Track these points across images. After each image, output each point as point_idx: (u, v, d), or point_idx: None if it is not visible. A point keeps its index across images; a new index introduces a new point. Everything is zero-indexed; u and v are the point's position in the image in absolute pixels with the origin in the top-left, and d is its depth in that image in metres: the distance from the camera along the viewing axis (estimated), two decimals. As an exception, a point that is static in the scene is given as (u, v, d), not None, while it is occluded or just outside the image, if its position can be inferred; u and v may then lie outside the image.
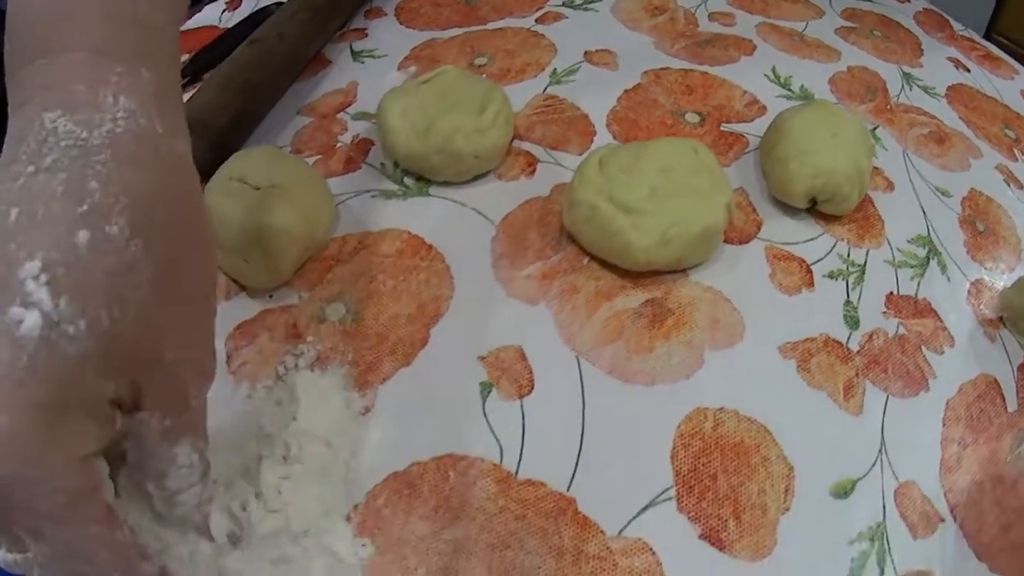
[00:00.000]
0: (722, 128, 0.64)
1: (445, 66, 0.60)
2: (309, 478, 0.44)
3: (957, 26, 0.90)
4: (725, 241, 0.55)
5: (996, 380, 0.52)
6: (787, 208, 0.58)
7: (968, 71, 0.80)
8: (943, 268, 0.57)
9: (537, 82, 0.67)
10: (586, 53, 0.71)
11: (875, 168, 0.63)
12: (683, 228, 0.50)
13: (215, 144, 0.58)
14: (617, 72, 0.69)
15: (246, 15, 0.78)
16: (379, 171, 0.60)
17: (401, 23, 0.77)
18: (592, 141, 0.62)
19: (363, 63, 0.71)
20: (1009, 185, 0.66)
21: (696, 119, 0.65)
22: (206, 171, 0.55)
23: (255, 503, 0.43)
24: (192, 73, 0.71)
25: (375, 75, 0.69)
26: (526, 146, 0.61)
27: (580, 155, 0.60)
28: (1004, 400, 0.52)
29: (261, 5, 0.81)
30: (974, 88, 0.77)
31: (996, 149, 0.69)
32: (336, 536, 0.43)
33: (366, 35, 0.75)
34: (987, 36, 1.61)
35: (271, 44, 0.66)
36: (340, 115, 0.65)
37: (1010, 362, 0.54)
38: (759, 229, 0.57)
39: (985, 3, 1.43)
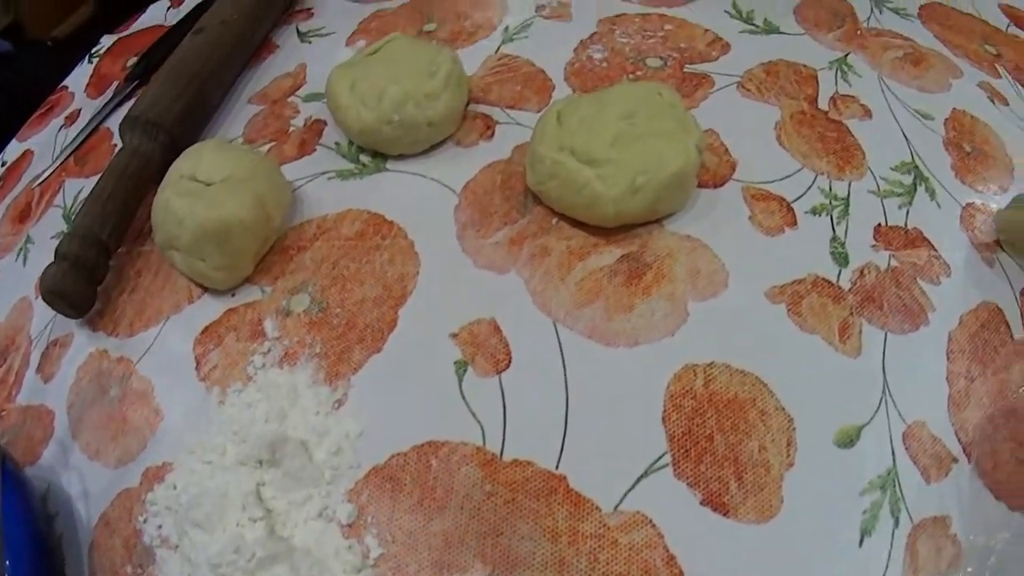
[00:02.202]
0: (686, 70, 0.61)
1: (393, 34, 0.57)
2: (287, 482, 0.43)
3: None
4: (699, 186, 0.52)
5: (999, 307, 0.49)
6: (762, 145, 0.55)
7: None
8: (932, 194, 0.54)
9: (490, 42, 0.64)
10: (538, 7, 0.68)
11: (850, 96, 0.60)
12: (653, 174, 0.47)
13: (167, 144, 0.57)
14: (572, 23, 0.66)
15: (191, 8, 0.75)
16: (334, 151, 0.57)
17: None
18: (551, 96, 0.59)
19: (311, 43, 0.69)
20: (994, 102, 0.63)
21: (658, 63, 0.61)
22: (161, 171, 0.53)
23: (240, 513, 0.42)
24: (141, 75, 0.69)
25: (324, 55, 0.67)
26: (483, 108, 0.58)
27: (539, 112, 0.57)
28: (1009, 328, 0.49)
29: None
30: (949, 6, 0.74)
31: (977, 66, 0.66)
32: (322, 540, 0.41)
33: (312, 14, 0.73)
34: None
35: (215, 33, 0.64)
36: (291, 99, 0.63)
37: (1012, 287, 0.51)
38: (733, 170, 0.54)
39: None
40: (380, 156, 0.56)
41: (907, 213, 0.53)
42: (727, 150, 0.55)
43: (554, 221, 0.50)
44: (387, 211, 0.52)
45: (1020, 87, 0.66)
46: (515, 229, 0.50)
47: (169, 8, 0.81)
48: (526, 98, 0.58)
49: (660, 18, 0.66)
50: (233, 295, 0.51)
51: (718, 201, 0.52)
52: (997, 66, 0.67)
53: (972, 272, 0.51)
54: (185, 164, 0.51)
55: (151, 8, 0.83)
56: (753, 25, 0.66)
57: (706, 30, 0.64)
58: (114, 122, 0.68)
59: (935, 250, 0.51)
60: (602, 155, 0.47)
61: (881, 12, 0.70)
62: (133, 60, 0.74)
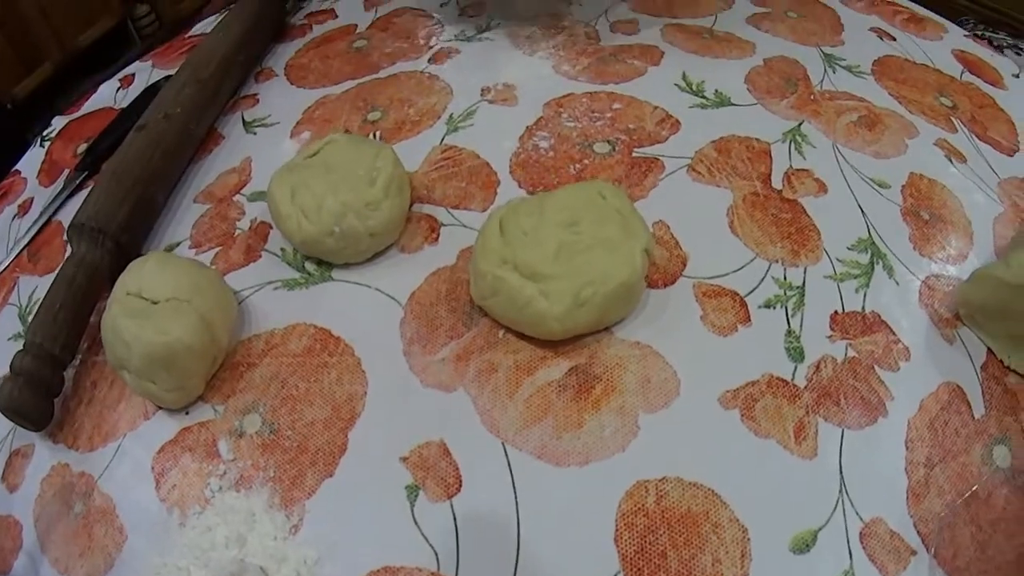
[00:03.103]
0: (635, 154, 0.60)
1: (332, 134, 0.57)
2: (249, 611, 0.43)
3: (878, -11, 0.86)
4: (649, 285, 0.51)
5: (959, 387, 0.49)
6: (714, 235, 0.54)
7: (894, 39, 0.76)
8: (890, 272, 0.54)
9: (434, 132, 0.63)
10: (483, 90, 0.67)
11: (804, 170, 0.59)
12: (598, 287, 0.46)
13: (114, 251, 0.56)
14: (517, 107, 0.65)
15: (140, 92, 0.74)
16: (279, 258, 0.56)
17: (292, 82, 0.73)
18: (496, 193, 0.58)
19: (255, 134, 0.68)
20: (951, 161, 0.62)
21: (606, 148, 0.60)
22: (111, 278, 0.53)
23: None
24: (90, 166, 0.68)
25: (268, 147, 0.66)
26: (427, 209, 0.57)
27: (484, 211, 0.56)
28: (970, 407, 0.48)
29: (153, 79, 0.77)
30: (902, 58, 0.73)
31: (933, 122, 0.65)
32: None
33: (257, 101, 0.72)
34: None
35: (158, 128, 0.62)
36: (236, 197, 0.62)
37: (972, 362, 0.50)
38: (684, 265, 0.53)
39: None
40: (325, 264, 0.55)
41: (864, 296, 0.52)
42: (677, 243, 0.54)
43: (500, 334, 0.50)
44: (333, 326, 0.52)
45: (976, 139, 0.65)
46: (461, 344, 0.50)
47: (119, 88, 0.81)
48: (471, 196, 0.58)
49: (608, 96, 0.65)
50: (187, 413, 0.50)
51: (669, 301, 0.51)
52: (953, 119, 0.66)
53: (932, 352, 0.51)
54: (131, 280, 0.51)
55: (102, 88, 0.82)
56: (703, 98, 0.65)
57: (655, 107, 0.63)
58: (66, 215, 0.67)
59: (894, 334, 0.51)
60: (545, 269, 0.47)
61: (834, 72, 0.69)
62: (83, 146, 0.73)
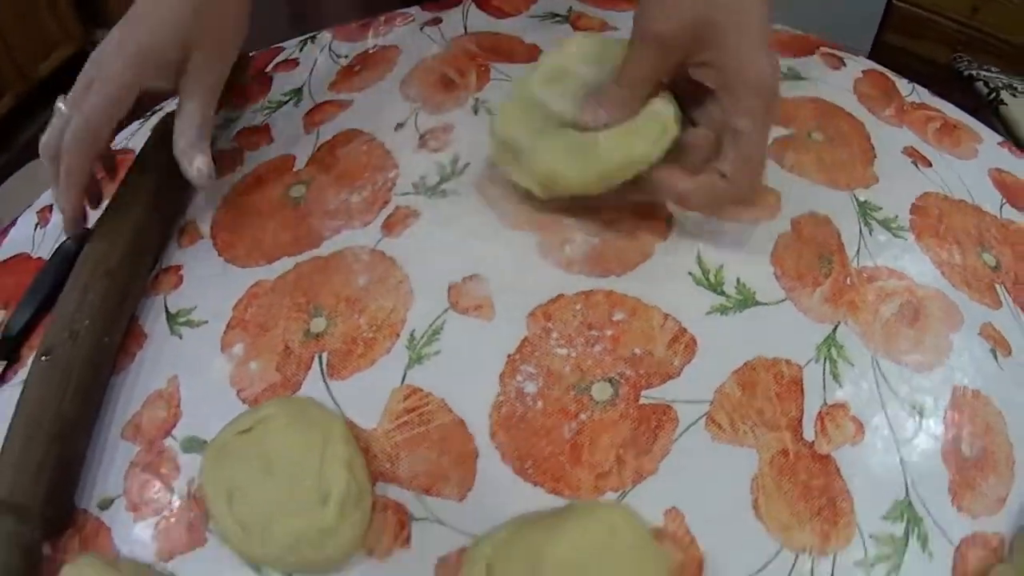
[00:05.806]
0: (643, 400, 0.49)
1: (267, 407, 0.45)
2: None
3: (904, 87, 0.73)
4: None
5: None
6: (734, 521, 0.46)
7: (929, 164, 0.65)
8: (924, 543, 0.46)
9: (393, 361, 0.51)
10: (451, 289, 0.54)
11: (840, 405, 0.50)
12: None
13: (42, 524, 0.46)
14: (494, 323, 0.52)
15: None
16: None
17: (220, 253, 0.59)
18: (475, 472, 0.47)
19: (181, 337, 0.55)
20: (996, 356, 0.54)
21: (607, 393, 0.49)
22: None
23: None
24: (9, 354, 0.55)
25: (197, 363, 0.53)
26: (393, 492, 0.46)
27: (461, 500, 0.46)
28: None
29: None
30: (940, 195, 0.62)
31: (977, 299, 0.56)
32: None
33: (181, 278, 0.58)
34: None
35: (66, 355, 0.50)
36: (167, 441, 0.50)
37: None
38: (700, 570, 0.45)
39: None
40: (279, 566, 0.45)
41: (894, 583, 0.46)
42: (693, 540, 0.45)
43: None
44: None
45: (1021, 313, 0.57)
46: None
47: (37, 224, 0.67)
48: (444, 475, 0.46)
49: (607, 299, 0.53)
50: None
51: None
52: (996, 287, 0.57)
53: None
54: None
55: (20, 222, 0.68)
56: (723, 295, 0.54)
57: (666, 317, 0.52)
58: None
59: (923, 631, 0.45)
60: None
61: (871, 232, 0.58)
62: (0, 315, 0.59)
